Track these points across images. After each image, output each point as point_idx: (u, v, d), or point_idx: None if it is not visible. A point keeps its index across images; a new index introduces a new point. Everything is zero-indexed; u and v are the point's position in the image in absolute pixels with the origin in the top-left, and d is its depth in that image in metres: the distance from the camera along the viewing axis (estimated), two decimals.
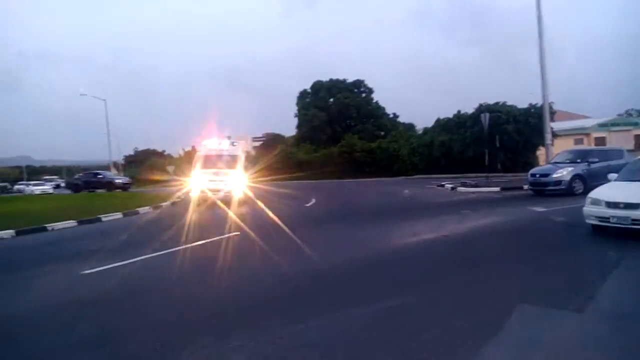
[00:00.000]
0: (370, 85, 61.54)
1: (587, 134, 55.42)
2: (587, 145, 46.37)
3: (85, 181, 45.29)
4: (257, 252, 10.24)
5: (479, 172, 32.54)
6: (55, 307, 6.79)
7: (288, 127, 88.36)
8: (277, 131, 77.50)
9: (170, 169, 55.72)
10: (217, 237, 11.89)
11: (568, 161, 19.49)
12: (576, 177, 18.41)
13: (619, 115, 70.62)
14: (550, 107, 27.90)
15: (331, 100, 59.01)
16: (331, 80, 60.26)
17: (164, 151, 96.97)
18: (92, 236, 13.89)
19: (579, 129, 55.47)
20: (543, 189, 18.98)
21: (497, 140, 33.40)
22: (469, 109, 42.29)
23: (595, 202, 9.78)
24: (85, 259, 9.68)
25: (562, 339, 4.86)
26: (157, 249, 10.56)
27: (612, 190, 9.93)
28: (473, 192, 22.57)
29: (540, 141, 29.54)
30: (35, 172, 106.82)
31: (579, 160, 19.07)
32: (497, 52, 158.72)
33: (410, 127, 60.84)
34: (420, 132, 51.34)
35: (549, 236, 10.62)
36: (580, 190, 17.77)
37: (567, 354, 4.57)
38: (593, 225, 9.91)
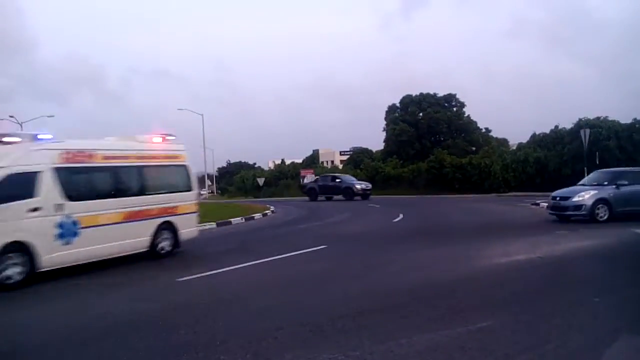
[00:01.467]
0: (462, 99, 60.46)
1: None
2: None
3: (322, 185, 39.43)
4: (348, 266, 10.44)
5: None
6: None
7: (376, 141, 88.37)
8: (365, 145, 77.61)
9: (260, 180, 57.56)
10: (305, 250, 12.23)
11: (596, 183, 17.54)
12: (600, 201, 16.36)
13: None
14: None
15: (420, 114, 58.48)
16: (421, 94, 59.76)
17: (254, 164, 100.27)
18: None
19: None
20: (563, 214, 17.20)
21: (597, 157, 31.65)
22: (567, 124, 40.44)
23: None
24: None
25: None
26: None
27: None
28: None
29: None
30: None
31: (606, 183, 17.07)
32: (598, 66, 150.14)
33: (503, 142, 58.97)
34: (514, 147, 49.57)
35: None
36: (605, 217, 16.13)
37: None
38: None
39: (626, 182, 16.73)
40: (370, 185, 38.86)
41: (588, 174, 27.42)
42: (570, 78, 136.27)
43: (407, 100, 59.89)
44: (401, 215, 21.98)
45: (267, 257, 11.40)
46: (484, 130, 60.49)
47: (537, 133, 44.58)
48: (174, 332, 6.18)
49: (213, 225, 19.65)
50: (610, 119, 37.97)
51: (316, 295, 7.92)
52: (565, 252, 11.15)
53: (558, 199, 17.62)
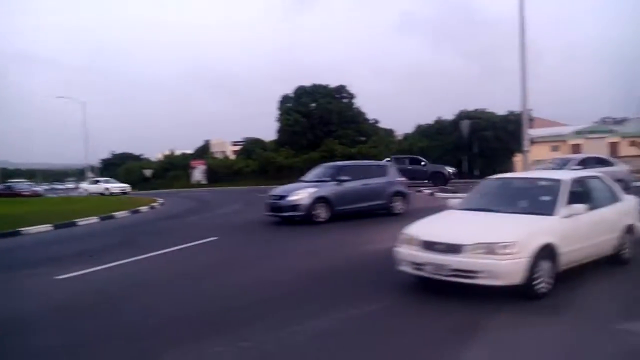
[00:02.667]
0: (352, 90, 61.76)
1: (564, 141, 56.34)
2: (564, 153, 47.03)
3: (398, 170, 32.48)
4: (239, 257, 10.31)
5: (457, 179, 32.79)
6: None
7: (269, 132, 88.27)
8: (258, 136, 77.12)
9: (147, 172, 55.27)
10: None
11: (317, 179, 15.67)
12: (319, 200, 14.46)
13: (595, 122, 71.88)
14: (529, 114, 28.29)
15: (313, 105, 59.05)
16: (314, 85, 60.26)
17: (141, 155, 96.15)
18: None
19: (556, 136, 56.38)
20: (281, 215, 14.84)
21: (475, 146, 33.77)
22: (450, 115, 42.76)
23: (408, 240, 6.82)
24: None
25: None
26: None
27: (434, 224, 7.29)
28: (451, 198, 22.71)
29: (518, 148, 29.90)
30: (9, 176, 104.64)
31: (328, 178, 15.26)
32: (479, 61, 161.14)
33: (390, 132, 61.20)
34: (401, 137, 51.64)
35: None
36: (324, 218, 14.46)
37: None
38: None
39: (348, 178, 15.21)
40: (454, 170, 32.30)
41: (468, 162, 29.21)
42: (453, 72, 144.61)
43: (300, 91, 60.16)
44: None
45: (154, 251, 10.92)
46: (372, 121, 62.25)
47: (421, 124, 46.72)
48: (51, 334, 5.74)
49: (95, 219, 18.61)
50: (488, 110, 40.62)
51: (206, 288, 7.72)
52: None
53: (277, 197, 15.21)
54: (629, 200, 8.63)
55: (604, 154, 48.46)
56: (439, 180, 30.55)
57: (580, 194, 7.40)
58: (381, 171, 16.61)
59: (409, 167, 31.15)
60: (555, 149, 51.21)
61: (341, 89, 61.17)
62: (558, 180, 7.40)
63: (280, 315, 6.05)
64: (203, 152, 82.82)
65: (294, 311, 6.17)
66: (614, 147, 57.57)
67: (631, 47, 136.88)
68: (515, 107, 34.08)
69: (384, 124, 63.61)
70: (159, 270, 9.47)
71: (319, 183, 15.22)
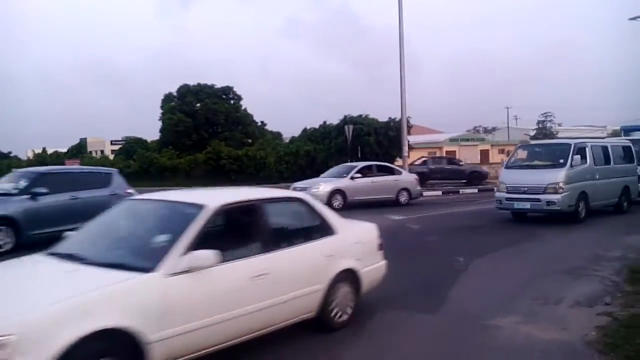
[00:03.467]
0: (239, 92, 61.29)
1: (440, 147, 59.93)
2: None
3: (434, 170, 31.64)
4: None
5: None
6: None
7: (151, 131, 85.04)
8: (139, 135, 73.98)
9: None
10: None
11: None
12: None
13: (468, 131, 77.40)
14: (408, 122, 29.69)
15: (198, 105, 57.78)
16: (199, 84, 58.97)
17: (10, 152, 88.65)
18: None
19: (432, 142, 59.85)
20: None
21: (359, 151, 34.88)
22: (335, 120, 43.72)
23: None
24: None
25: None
26: None
27: None
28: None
29: (398, 153, 31.30)
30: None
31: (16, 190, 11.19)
32: (363, 68, 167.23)
33: (277, 135, 61.48)
34: (287, 141, 52.03)
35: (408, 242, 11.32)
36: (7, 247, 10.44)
37: None
38: None
39: (47, 191, 11.25)
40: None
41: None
42: (338, 78, 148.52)
43: (185, 90, 58.60)
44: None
45: None
46: (259, 123, 62.24)
47: (307, 127, 47.35)
48: None
49: None
50: (370, 116, 42.06)
51: None
52: None
53: None
54: (352, 232, 6.11)
55: (476, 160, 52.11)
56: (478, 180, 30.61)
57: (238, 228, 5.30)
58: (103, 181, 12.95)
59: (447, 167, 31.83)
60: (432, 154, 54.27)
61: (228, 89, 60.49)
62: (199, 207, 4.75)
63: None
64: (78, 150, 78.03)
65: None
66: (485, 154, 62.23)
67: (503, 59, 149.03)
68: (396, 114, 35.68)
69: (271, 127, 63.90)
70: None
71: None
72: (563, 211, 13.39)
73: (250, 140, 56.64)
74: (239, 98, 61.08)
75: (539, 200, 13.36)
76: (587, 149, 14.05)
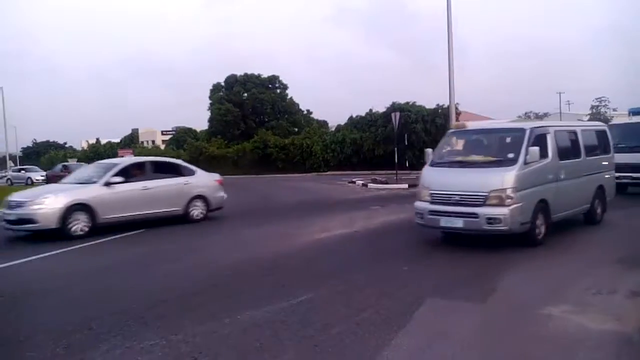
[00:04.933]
0: (285, 81, 61.64)
1: None
2: None
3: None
4: (169, 250, 10.08)
5: (388, 170, 33.51)
6: None
7: (200, 121, 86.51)
8: (189, 125, 75.50)
9: (71, 161, 52.84)
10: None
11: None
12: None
13: (518, 117, 75.39)
14: (456, 108, 29.18)
15: (245, 95, 58.48)
16: (246, 74, 59.67)
17: (65, 143, 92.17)
18: None
19: None
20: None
21: (405, 138, 34.61)
22: (381, 107, 43.45)
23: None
24: None
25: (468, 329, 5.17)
26: None
27: None
28: (383, 189, 23.25)
29: None
30: None
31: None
32: (411, 54, 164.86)
33: (323, 124, 61.55)
34: (333, 129, 52.08)
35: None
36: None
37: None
38: None
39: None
40: None
41: (398, 153, 29.96)
42: (385, 65, 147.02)
43: (232, 80, 59.41)
44: (225, 195, 21.79)
45: (78, 244, 10.54)
46: (305, 112, 62.45)
47: (354, 116, 47.27)
48: None
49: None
50: (417, 104, 41.62)
51: (134, 282, 7.52)
52: (378, 226, 12.02)
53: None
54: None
55: None
56: None
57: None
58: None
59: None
60: None
61: (274, 79, 60.93)
62: None
63: (212, 307, 5.96)
64: (131, 141, 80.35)
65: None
66: None
67: (555, 42, 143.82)
68: (444, 101, 35.16)
69: (317, 115, 63.99)
70: (84, 263, 9.13)
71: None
72: (512, 232, 8.55)
73: (296, 129, 56.97)
74: (285, 87, 61.46)
75: (475, 215, 8.54)
76: (548, 137, 9.42)
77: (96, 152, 64.72)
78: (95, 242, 10.88)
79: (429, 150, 10.40)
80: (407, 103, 41.35)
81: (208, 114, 59.34)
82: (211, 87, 60.29)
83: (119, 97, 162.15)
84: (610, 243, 9.50)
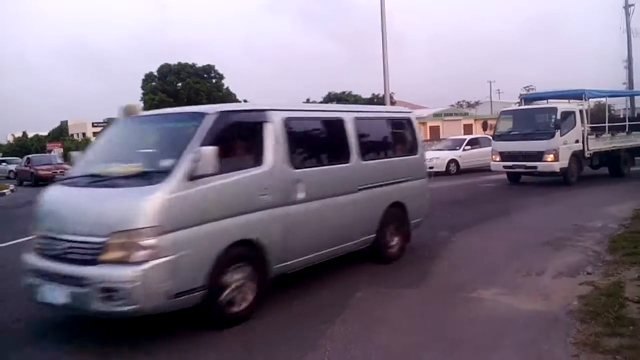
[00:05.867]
0: (221, 71, 60.70)
1: (424, 123, 60.02)
2: (422, 134, 49.93)
3: None
4: None
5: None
6: None
7: None
8: None
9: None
10: None
11: None
12: None
13: (451, 106, 77.60)
14: (391, 98, 29.64)
15: (180, 84, 57.18)
16: (180, 64, 58.32)
17: None
18: None
19: (416, 118, 59.80)
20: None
21: None
22: (319, 97, 43.62)
23: None
24: None
25: None
26: None
27: None
28: None
29: None
30: None
31: None
32: (347, 45, 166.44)
33: None
34: None
35: None
36: None
37: None
38: None
39: None
40: None
41: None
42: (322, 55, 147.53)
43: (166, 70, 57.96)
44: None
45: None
46: (243, 101, 61.86)
47: None
48: None
49: None
50: (354, 93, 42.05)
51: None
52: None
53: None
54: None
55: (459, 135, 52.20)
56: None
57: None
58: None
59: None
60: None
61: (209, 68, 59.92)
62: None
63: None
64: (60, 133, 76.97)
65: None
66: (468, 128, 62.43)
67: (486, 34, 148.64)
68: (380, 91, 35.65)
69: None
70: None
71: None
72: (146, 313, 4.77)
73: None
74: (221, 77, 60.61)
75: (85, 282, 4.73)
76: (266, 130, 5.80)
77: (23, 146, 61.66)
78: None
79: (74, 154, 6.57)
80: (344, 92, 41.71)
81: (141, 104, 57.68)
82: (143, 77, 58.61)
83: (46, 87, 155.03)
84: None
